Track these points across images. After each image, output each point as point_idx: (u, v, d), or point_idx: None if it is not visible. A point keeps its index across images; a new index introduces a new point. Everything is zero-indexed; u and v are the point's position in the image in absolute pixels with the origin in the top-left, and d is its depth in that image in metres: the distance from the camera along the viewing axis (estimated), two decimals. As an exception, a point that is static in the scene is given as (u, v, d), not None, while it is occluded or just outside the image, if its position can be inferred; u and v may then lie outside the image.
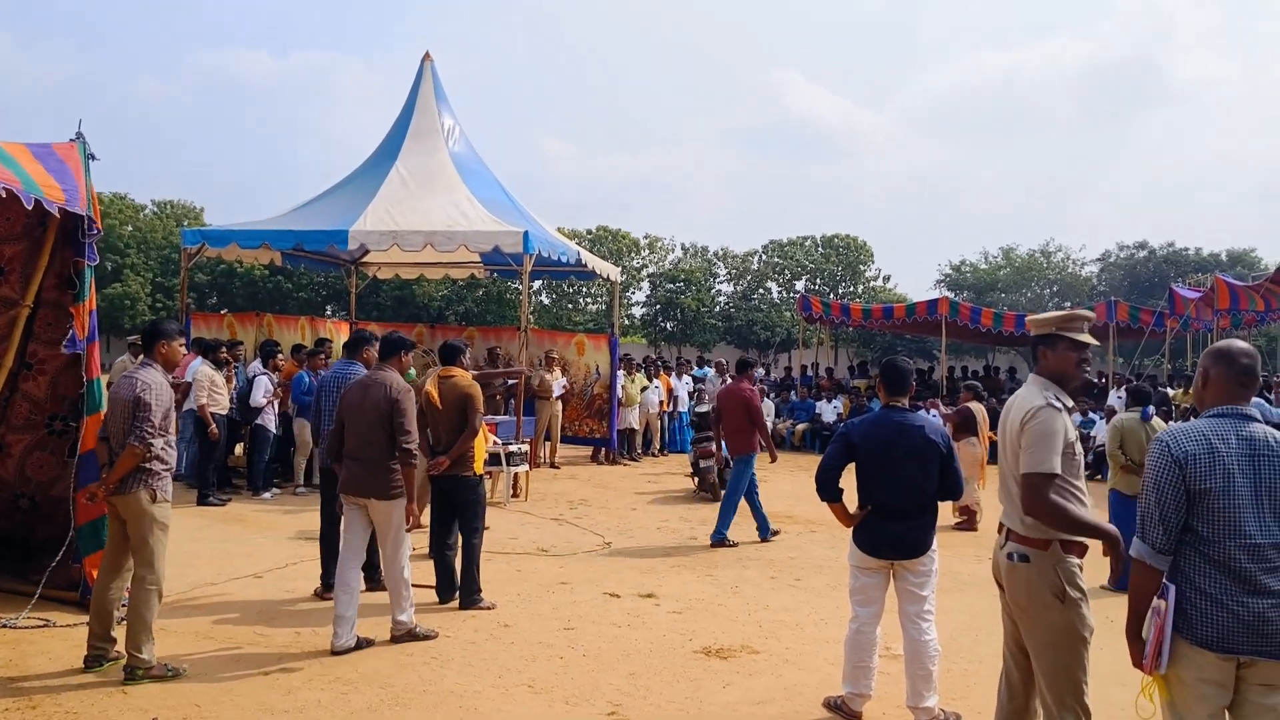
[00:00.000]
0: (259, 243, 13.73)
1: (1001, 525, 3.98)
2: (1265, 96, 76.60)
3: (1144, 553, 3.15)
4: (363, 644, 5.91)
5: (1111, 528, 3.77)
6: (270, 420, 11.68)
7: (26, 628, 5.97)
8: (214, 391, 11.11)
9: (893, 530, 4.84)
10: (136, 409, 5.18)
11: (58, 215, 5.74)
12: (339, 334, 16.19)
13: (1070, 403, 3.92)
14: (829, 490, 4.98)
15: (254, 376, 11.71)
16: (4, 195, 5.11)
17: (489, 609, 6.86)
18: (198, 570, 7.76)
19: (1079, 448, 3.88)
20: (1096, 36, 80.00)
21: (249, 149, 79.52)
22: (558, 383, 14.88)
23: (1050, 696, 3.77)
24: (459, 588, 6.97)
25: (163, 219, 53.51)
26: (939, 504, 4.99)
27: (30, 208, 5.43)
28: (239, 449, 12.57)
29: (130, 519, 5.26)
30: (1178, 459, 3.09)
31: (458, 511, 7.01)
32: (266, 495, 11.56)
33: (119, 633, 5.34)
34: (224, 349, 11.72)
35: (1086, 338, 4.01)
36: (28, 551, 6.97)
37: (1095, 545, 3.84)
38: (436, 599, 6.97)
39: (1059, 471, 3.70)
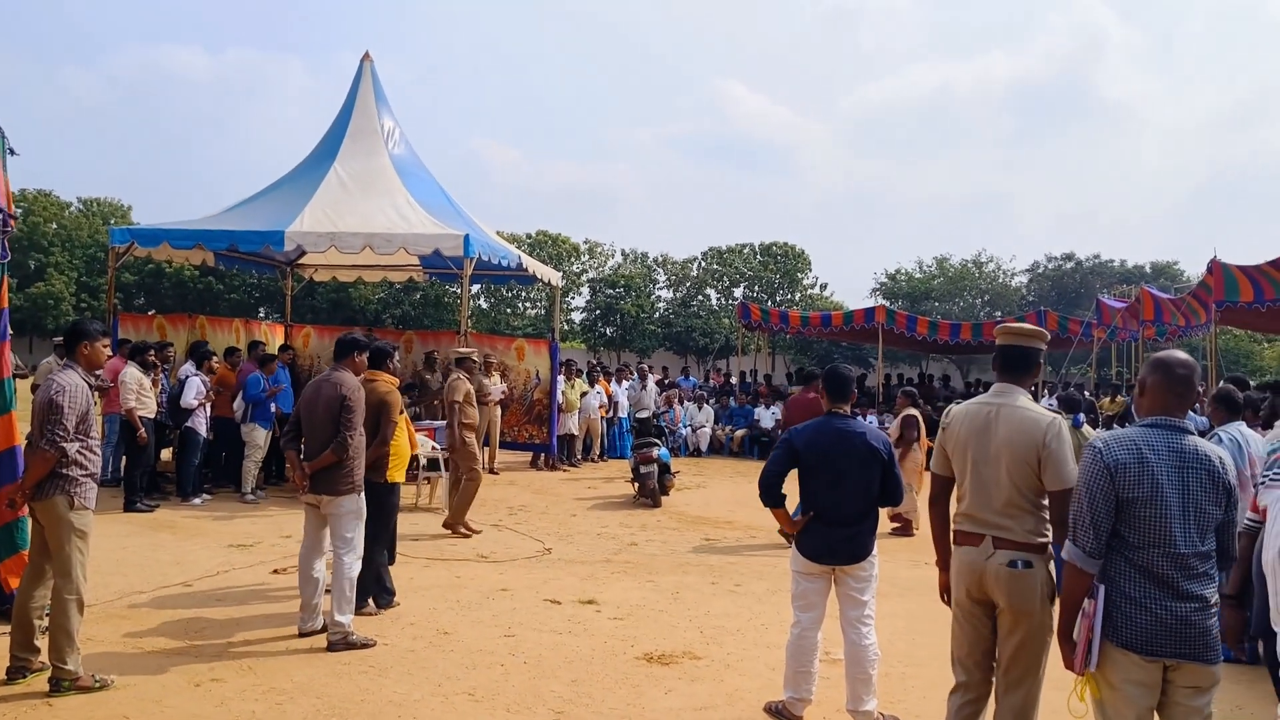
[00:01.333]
0: (192, 243, 13.41)
1: (980, 535, 3.91)
2: (1186, 114, 79.23)
3: (1075, 556, 3.22)
4: (350, 642, 5.98)
5: None
6: (200, 424, 11.39)
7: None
8: (142, 395, 10.83)
9: (835, 536, 4.88)
10: (49, 411, 4.99)
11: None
12: (273, 337, 15.88)
13: None
14: (772, 496, 5.01)
15: (185, 378, 11.42)
16: None
17: (373, 613, 6.76)
18: (125, 578, 7.54)
19: None
20: (1028, 54, 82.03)
21: (180, 147, 77.70)
22: (497, 387, 14.76)
23: (1022, 693, 3.88)
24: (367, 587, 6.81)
25: (89, 217, 52.08)
26: (879, 510, 5.04)
27: None
28: (166, 453, 12.25)
29: (48, 526, 5.07)
30: (1109, 466, 3.15)
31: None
32: (196, 501, 11.28)
33: (43, 643, 5.15)
34: (153, 351, 11.40)
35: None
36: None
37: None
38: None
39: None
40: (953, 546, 4.09)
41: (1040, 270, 53.59)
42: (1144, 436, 3.20)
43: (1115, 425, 14.26)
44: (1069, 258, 52.82)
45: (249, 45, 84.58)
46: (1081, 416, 8.27)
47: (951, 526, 4.11)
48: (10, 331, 6.47)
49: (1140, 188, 75.74)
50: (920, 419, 11.38)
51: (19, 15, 79.05)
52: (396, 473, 7.08)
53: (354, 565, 6.19)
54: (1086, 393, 18.56)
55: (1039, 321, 19.91)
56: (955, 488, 4.13)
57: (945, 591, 4.21)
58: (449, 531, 9.95)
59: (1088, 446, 3.28)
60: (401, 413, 7.14)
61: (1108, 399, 17.95)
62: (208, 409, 11.49)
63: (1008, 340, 4.16)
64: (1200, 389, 3.40)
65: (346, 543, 6.20)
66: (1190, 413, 4.16)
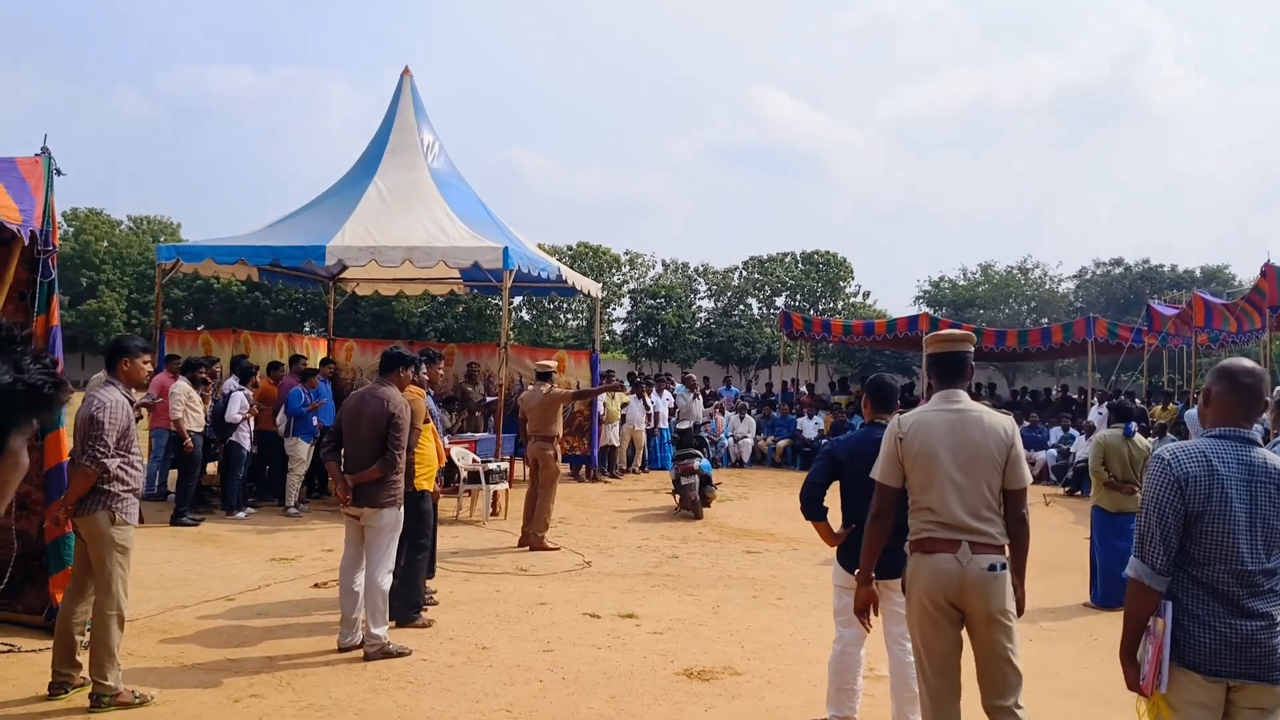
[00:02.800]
0: (235, 258, 13.56)
1: (956, 541, 3.88)
2: (1235, 116, 77.65)
3: (1143, 573, 3.05)
4: (387, 652, 6.02)
5: None
6: (245, 438, 11.49)
7: (-11, 653, 5.80)
8: (190, 408, 10.99)
9: (877, 550, 4.74)
10: (90, 427, 5.03)
11: (16, 234, 5.60)
12: (316, 351, 16.01)
13: None
14: (814, 509, 4.90)
15: (229, 393, 11.54)
16: None
17: (425, 626, 6.76)
18: (169, 592, 7.59)
19: None
20: (1072, 56, 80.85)
21: (228, 164, 79.16)
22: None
23: (1014, 689, 3.93)
24: (399, 605, 6.73)
25: (139, 235, 53.15)
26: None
27: None
28: (212, 467, 12.38)
29: (90, 541, 5.10)
30: (1178, 479, 3.01)
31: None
32: (241, 515, 11.37)
33: (84, 658, 5.18)
34: (204, 369, 11.67)
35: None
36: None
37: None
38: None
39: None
40: (917, 556, 4.01)
41: (1088, 276, 52.71)
42: (1212, 448, 3.06)
43: (1168, 434, 13.92)
44: (1117, 263, 51.91)
45: (295, 64, 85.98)
46: (1134, 425, 8.05)
47: (914, 536, 4.05)
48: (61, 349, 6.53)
49: (1190, 191, 74.34)
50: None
51: (75, 38, 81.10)
52: (425, 480, 7.02)
53: (386, 578, 6.18)
54: (1138, 400, 18.16)
55: (1087, 328, 19.55)
56: (915, 497, 4.05)
57: (866, 608, 4.37)
58: (528, 548, 9.85)
59: (1154, 459, 3.13)
60: (426, 421, 7.12)
61: (1159, 407, 17.54)
62: (251, 423, 11.59)
63: (940, 348, 4.27)
64: (1267, 399, 3.25)
65: (380, 556, 6.20)
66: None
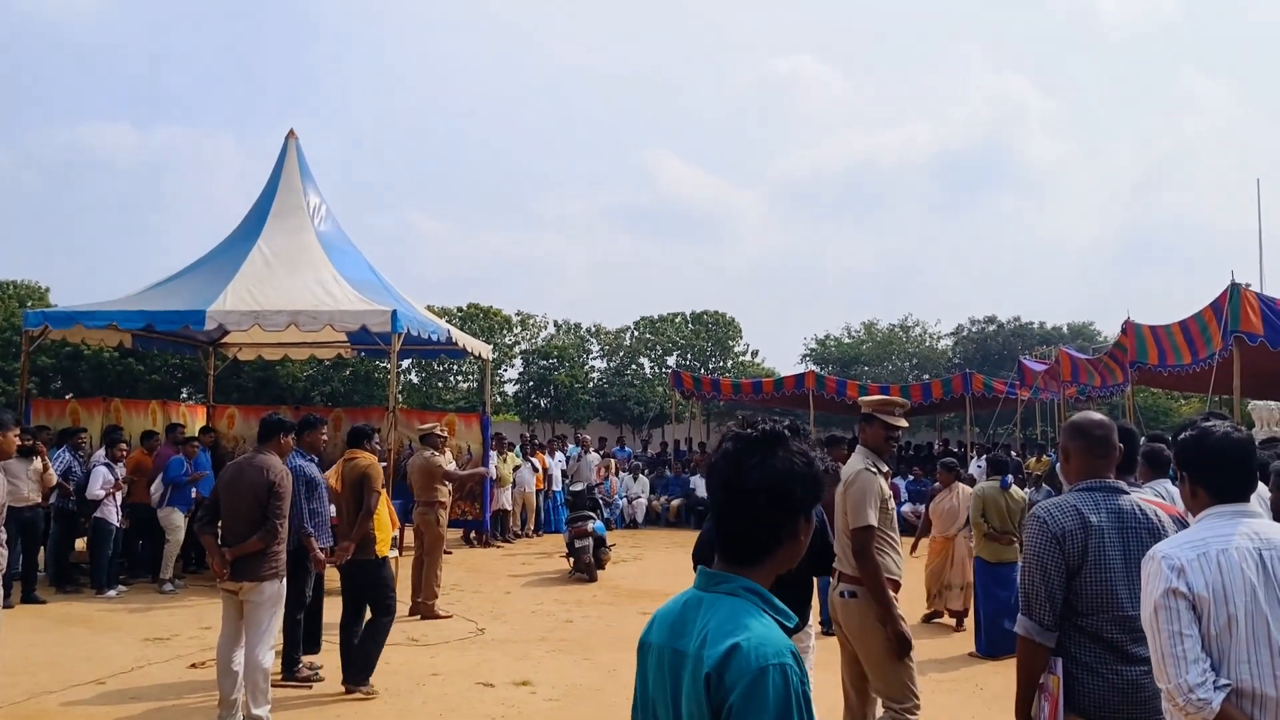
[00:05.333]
0: (106, 323, 13.00)
1: (834, 570, 4.93)
2: (1100, 177, 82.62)
3: (1032, 630, 3.13)
4: None
5: (899, 620, 4.67)
6: (111, 513, 10.93)
7: None
8: (10, 481, 10.05)
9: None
10: None
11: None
12: (193, 418, 15.45)
13: (886, 468, 4.99)
14: (705, 562, 4.93)
15: (93, 467, 10.97)
16: None
17: (370, 695, 6.78)
18: (33, 677, 7.14)
19: (892, 504, 4.95)
20: (950, 122, 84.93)
21: (105, 226, 75.99)
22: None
23: (892, 697, 4.69)
24: (353, 663, 6.85)
25: (4, 300, 50.60)
26: (813, 578, 5.00)
27: None
28: (81, 544, 11.74)
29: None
30: (1056, 535, 3.11)
31: (364, 595, 7.08)
32: (111, 593, 10.79)
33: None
34: (28, 435, 10.30)
35: (898, 421, 5.10)
36: None
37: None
38: (342, 686, 6.88)
39: (875, 524, 4.73)
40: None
41: (964, 333, 54.82)
42: (1082, 500, 3.19)
43: (1043, 484, 14.51)
44: (991, 320, 54.18)
45: (180, 122, 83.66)
46: (1009, 478, 8.39)
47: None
48: None
49: (1058, 250, 78.37)
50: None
51: (-68, 96, 77.30)
52: (383, 546, 7.09)
53: (267, 655, 5.94)
54: (1013, 453, 18.92)
55: (965, 383, 20.34)
56: None
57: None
58: (419, 616, 9.66)
59: (1030, 518, 3.24)
60: (383, 486, 7.16)
61: (1034, 459, 18.28)
62: (117, 498, 11.03)
63: (869, 409, 5.17)
64: (1120, 446, 3.41)
65: (262, 632, 5.94)
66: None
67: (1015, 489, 8.42)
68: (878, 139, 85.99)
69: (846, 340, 54.12)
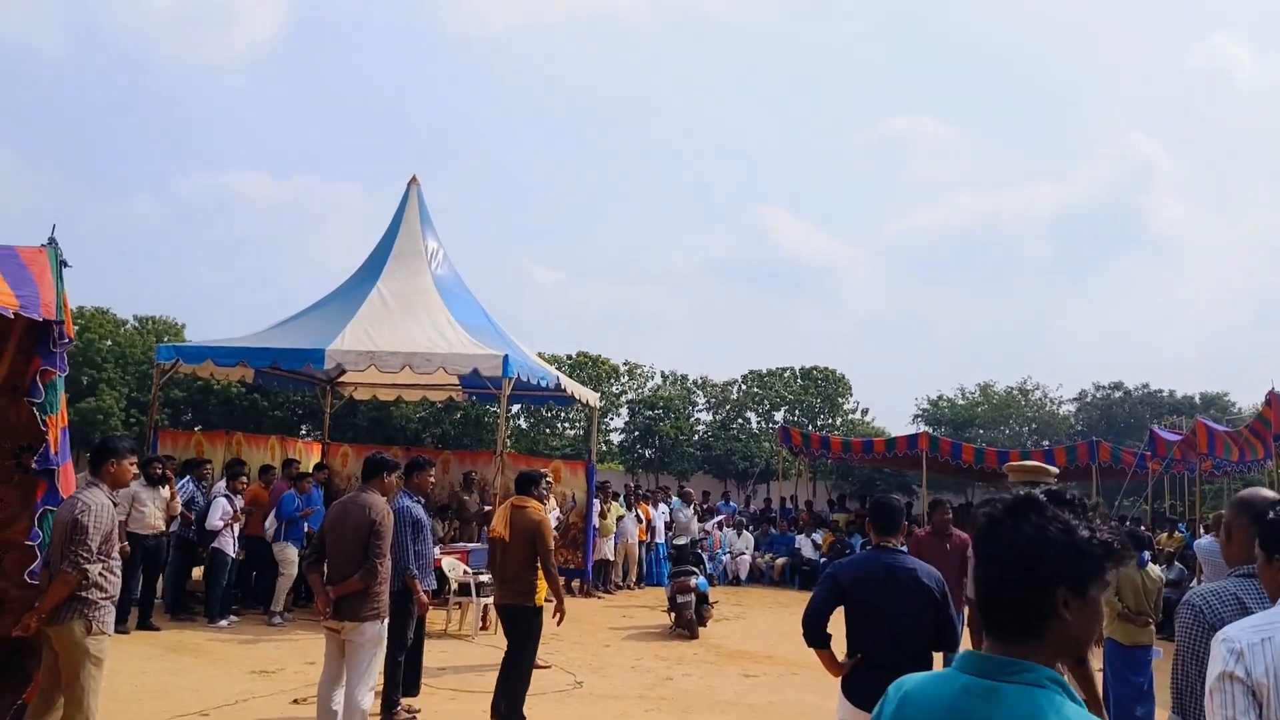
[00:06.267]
0: (235, 360, 13.52)
1: None
2: (1235, 244, 79.06)
3: None
4: None
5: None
6: (228, 544, 11.22)
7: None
8: (136, 508, 10.41)
9: (885, 682, 4.48)
10: (73, 531, 4.85)
11: (11, 318, 5.50)
12: (310, 455, 15.84)
13: None
14: (816, 635, 4.68)
15: (214, 498, 11.31)
16: None
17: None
18: (140, 706, 7.27)
19: None
20: (1075, 182, 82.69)
21: (237, 267, 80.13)
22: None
23: None
24: (505, 713, 6.87)
25: (143, 334, 53.39)
26: (933, 654, 4.69)
27: None
28: (198, 572, 12.07)
29: (62, 652, 4.87)
30: (1213, 626, 2.76)
31: (512, 638, 7.07)
32: (223, 623, 11.02)
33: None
34: (157, 464, 10.80)
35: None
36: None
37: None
38: None
39: None
40: None
41: (1088, 399, 52.74)
42: (1243, 588, 2.87)
43: (1175, 562, 13.64)
44: (1117, 387, 52.02)
45: (313, 172, 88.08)
46: (1146, 555, 7.85)
47: None
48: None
49: (1190, 317, 75.07)
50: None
51: (95, 140, 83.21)
52: (541, 595, 7.08)
53: (367, 697, 5.91)
54: (1143, 528, 17.88)
55: (1091, 451, 19.38)
56: None
57: None
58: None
59: (1185, 606, 2.93)
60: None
61: (1165, 534, 17.25)
62: (235, 529, 11.32)
63: (1017, 476, 4.92)
64: None
65: (361, 672, 5.93)
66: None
67: (1152, 567, 7.87)
68: (998, 198, 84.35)
69: (960, 402, 52.57)
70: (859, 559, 4.87)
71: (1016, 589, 1.66)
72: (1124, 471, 19.46)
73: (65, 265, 6.08)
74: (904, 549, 4.91)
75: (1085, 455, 19.36)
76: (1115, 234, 79.46)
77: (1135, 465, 18.99)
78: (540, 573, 7.01)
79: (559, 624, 7.25)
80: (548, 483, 10.85)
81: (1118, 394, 51.89)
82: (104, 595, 4.97)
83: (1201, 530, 14.31)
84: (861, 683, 4.59)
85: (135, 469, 5.44)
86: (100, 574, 4.94)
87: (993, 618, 1.71)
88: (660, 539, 17.66)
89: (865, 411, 51.69)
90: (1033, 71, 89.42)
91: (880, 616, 4.57)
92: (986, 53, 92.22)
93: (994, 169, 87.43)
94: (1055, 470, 4.54)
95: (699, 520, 19.29)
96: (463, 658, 9.79)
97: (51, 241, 5.90)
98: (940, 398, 53.23)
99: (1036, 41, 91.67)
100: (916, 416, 52.13)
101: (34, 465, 5.85)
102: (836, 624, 4.67)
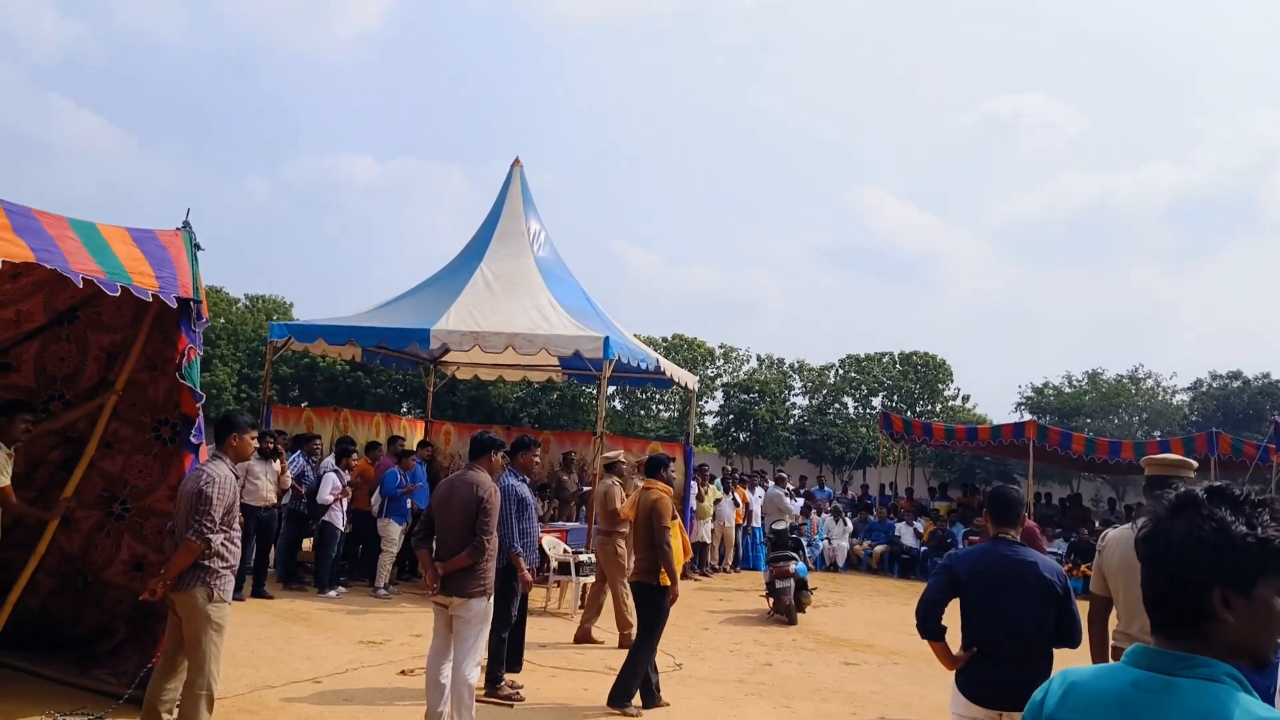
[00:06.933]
0: (345, 339, 13.86)
1: None
2: (1364, 229, 74.51)
3: None
4: None
5: None
6: (338, 518, 11.56)
7: (79, 725, 5.76)
8: (250, 480, 10.72)
9: (1002, 677, 4.38)
10: (198, 502, 5.02)
11: (150, 300, 5.73)
12: (413, 432, 16.17)
13: None
14: (931, 627, 4.56)
15: (324, 472, 11.65)
16: (81, 286, 5.07)
17: (635, 715, 7.07)
18: (257, 671, 7.53)
19: None
20: (1193, 164, 78.85)
21: (343, 248, 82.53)
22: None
23: None
24: (614, 685, 7.19)
25: (254, 312, 55.33)
26: (1054, 650, 4.52)
27: (115, 294, 5.41)
28: (307, 544, 12.48)
29: (185, 617, 5.06)
30: None
31: (641, 614, 7.38)
32: (332, 594, 11.36)
33: (170, 736, 5.09)
34: (270, 439, 11.15)
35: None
36: (74, 638, 6.85)
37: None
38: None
39: None
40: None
41: (1204, 389, 50.50)
42: None
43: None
44: (1235, 376, 49.63)
45: (415, 154, 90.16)
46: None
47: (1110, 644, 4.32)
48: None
49: (1312, 304, 71.18)
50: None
51: (214, 126, 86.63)
52: (666, 575, 7.22)
53: (474, 672, 5.98)
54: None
55: (1209, 443, 18.53)
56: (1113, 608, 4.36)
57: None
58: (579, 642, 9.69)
59: None
60: (674, 518, 7.43)
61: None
62: (344, 503, 11.65)
63: (1155, 470, 4.65)
64: None
65: (469, 648, 5.99)
66: None
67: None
68: (1112, 180, 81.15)
69: (1067, 390, 50.87)
70: (976, 550, 4.73)
71: (1172, 591, 1.65)
72: (1245, 465, 18.55)
73: (199, 249, 6.31)
74: (1020, 542, 4.75)
75: (1204, 447, 18.50)
76: (1236, 217, 75.68)
77: (1258, 458, 18.09)
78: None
79: (671, 604, 7.33)
80: (624, 464, 10.92)
81: (1235, 384, 49.55)
82: (225, 564, 5.14)
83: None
84: (977, 676, 4.46)
85: (256, 443, 5.60)
86: (222, 544, 5.10)
87: (1157, 618, 1.69)
88: (757, 523, 17.56)
89: (966, 398, 50.44)
90: (1151, 46, 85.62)
91: (998, 610, 4.42)
92: (1100, 27, 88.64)
93: (1108, 149, 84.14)
94: (1195, 464, 4.36)
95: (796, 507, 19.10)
96: (563, 635, 9.89)
97: (186, 225, 6.11)
98: (1046, 385, 51.64)
99: (1154, 13, 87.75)
100: (1020, 404, 50.67)
101: (192, 439, 6.12)
102: (951, 617, 4.54)
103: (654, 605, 7.26)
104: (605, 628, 9.85)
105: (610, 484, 10.27)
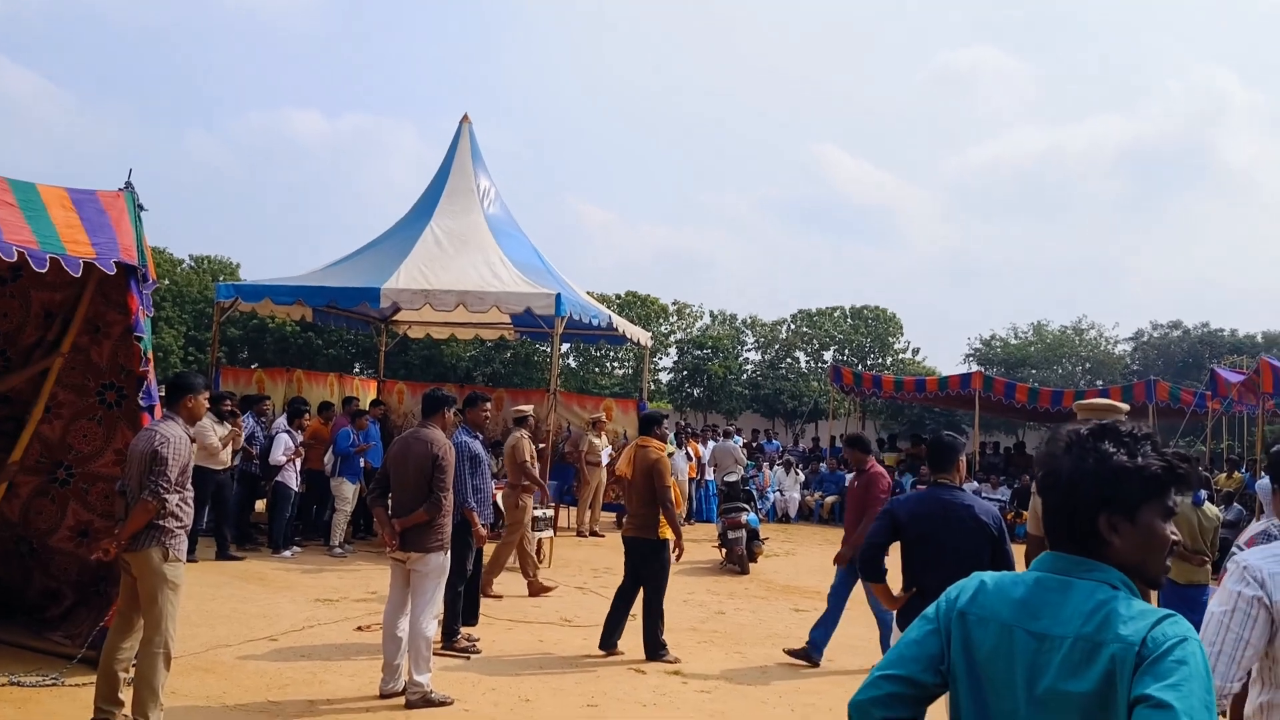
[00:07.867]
0: (293, 299, 13.73)
1: None
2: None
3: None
4: (429, 700, 5.93)
5: None
6: (291, 478, 11.53)
7: (34, 685, 5.77)
8: (204, 442, 10.50)
9: (940, 615, 4.57)
10: (153, 463, 5.03)
11: (78, 275, 5.64)
12: (366, 392, 16.12)
13: None
14: (873, 569, 4.76)
15: (276, 434, 11.59)
16: (14, 259, 4.99)
17: (673, 662, 7.29)
18: (213, 630, 7.56)
19: None
20: (1142, 117, 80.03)
21: (290, 207, 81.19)
22: (605, 450, 14.67)
23: None
24: (645, 643, 7.43)
25: (199, 273, 54.27)
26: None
27: (44, 270, 5.34)
28: (260, 504, 12.44)
29: (141, 577, 5.08)
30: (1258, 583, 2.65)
31: (640, 569, 7.52)
32: (287, 553, 11.37)
33: (127, 695, 5.13)
34: (227, 400, 11.25)
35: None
36: (24, 603, 6.83)
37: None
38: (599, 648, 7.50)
39: None
40: None
41: (1145, 339, 51.75)
42: None
43: (1234, 503, 13.48)
44: (1175, 325, 50.92)
45: (363, 110, 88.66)
46: (1203, 494, 7.78)
47: None
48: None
49: (1256, 256, 72.94)
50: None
51: (154, 85, 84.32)
52: (666, 529, 7.43)
53: (431, 625, 6.09)
54: (1201, 468, 17.64)
55: (1147, 390, 19.09)
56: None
57: None
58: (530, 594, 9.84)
59: (1233, 563, 2.76)
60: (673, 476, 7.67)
61: (1223, 475, 17.01)
62: (297, 464, 11.62)
63: (1086, 415, 4.78)
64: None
65: (426, 602, 6.11)
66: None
67: (1209, 506, 7.80)
68: (1061, 133, 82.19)
69: (1013, 341, 51.81)
70: (916, 495, 4.90)
71: (1065, 518, 1.81)
72: (1182, 412, 19.15)
73: (142, 209, 6.23)
74: (961, 486, 4.93)
75: (1142, 394, 19.07)
76: (1183, 169, 77.19)
77: (1194, 405, 18.67)
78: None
79: (678, 559, 7.60)
80: (531, 418, 10.99)
81: (1176, 333, 50.83)
82: (179, 524, 5.16)
83: (1260, 471, 14.08)
84: (915, 616, 4.64)
85: (207, 405, 5.59)
86: (177, 504, 5.12)
87: (1054, 542, 1.86)
88: (710, 476, 17.80)
89: (916, 351, 51.16)
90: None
91: (936, 551, 4.61)
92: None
93: (1060, 103, 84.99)
94: (1126, 408, 4.53)
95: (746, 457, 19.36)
96: (518, 589, 10.02)
97: (128, 186, 6.01)
98: (993, 337, 52.57)
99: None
100: (968, 356, 51.61)
101: (140, 402, 6.08)
102: (892, 559, 4.72)
103: (655, 558, 7.48)
104: (597, 584, 9.99)
105: (519, 436, 10.37)
